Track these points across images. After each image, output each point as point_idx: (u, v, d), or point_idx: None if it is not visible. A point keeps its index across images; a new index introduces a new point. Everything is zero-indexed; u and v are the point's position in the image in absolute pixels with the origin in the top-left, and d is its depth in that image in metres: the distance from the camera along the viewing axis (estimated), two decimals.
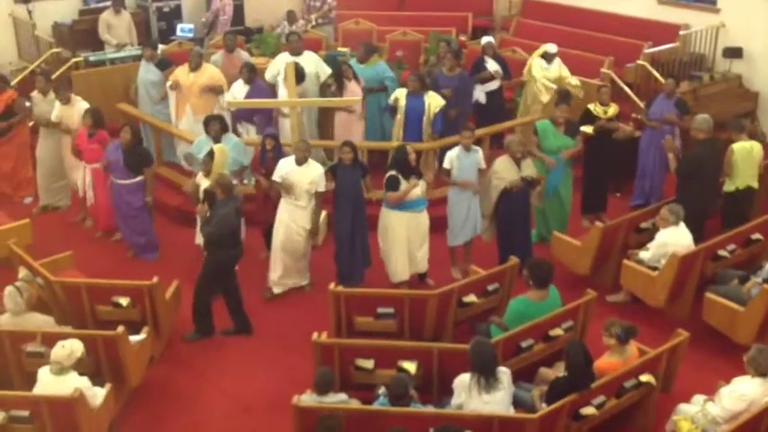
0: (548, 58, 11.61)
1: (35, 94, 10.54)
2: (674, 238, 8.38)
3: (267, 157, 9.17)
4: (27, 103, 10.64)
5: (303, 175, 8.66)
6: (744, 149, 9.34)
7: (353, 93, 10.61)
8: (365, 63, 11.16)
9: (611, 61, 12.75)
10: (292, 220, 8.76)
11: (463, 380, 6.39)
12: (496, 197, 8.93)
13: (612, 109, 10.35)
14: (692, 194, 8.68)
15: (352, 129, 10.82)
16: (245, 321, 8.45)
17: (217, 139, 9.16)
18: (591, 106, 10.37)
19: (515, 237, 9.01)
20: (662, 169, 10.49)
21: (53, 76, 12.11)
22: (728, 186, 9.49)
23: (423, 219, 8.87)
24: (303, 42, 11.64)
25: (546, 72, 11.58)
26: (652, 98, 10.83)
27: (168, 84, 11.09)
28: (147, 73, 11.47)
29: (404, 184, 8.58)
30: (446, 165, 9.02)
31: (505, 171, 8.89)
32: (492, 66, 11.71)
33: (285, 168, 8.68)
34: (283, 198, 8.78)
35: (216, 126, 9.27)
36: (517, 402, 6.68)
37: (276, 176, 8.72)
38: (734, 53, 12.79)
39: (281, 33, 14.17)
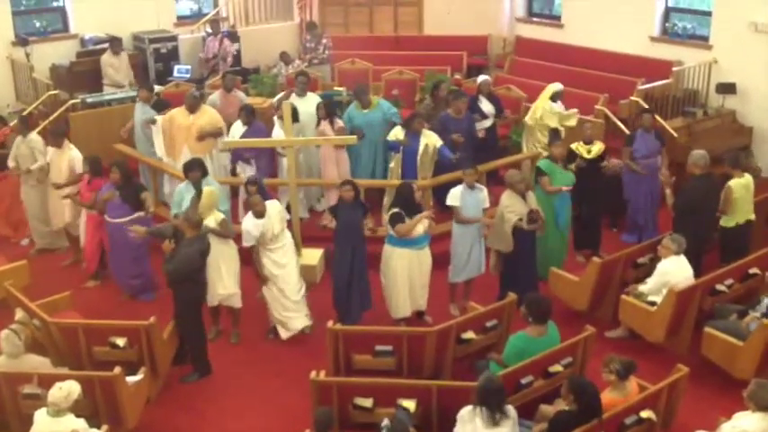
0: (557, 97, 11.64)
1: (17, 138, 10.50)
2: (676, 268, 8.39)
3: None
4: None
5: (270, 224, 8.56)
6: (741, 186, 9.39)
7: (322, 133, 10.68)
8: (368, 108, 11.21)
9: (606, 98, 12.85)
10: (280, 265, 8.72)
11: (468, 411, 6.34)
12: (510, 230, 8.96)
13: (597, 147, 10.32)
14: (688, 229, 8.70)
15: (333, 166, 10.87)
16: (206, 364, 8.42)
17: (197, 185, 9.08)
18: (573, 146, 10.36)
19: (520, 272, 9.03)
20: (654, 203, 10.53)
21: (50, 118, 12.22)
22: (728, 222, 9.50)
23: (425, 255, 8.85)
24: (310, 83, 11.80)
25: (553, 110, 11.58)
26: (631, 136, 10.87)
27: (155, 119, 11.02)
28: (143, 114, 11.47)
29: (408, 222, 8.59)
30: (451, 202, 9.03)
31: (515, 205, 8.95)
32: (486, 106, 11.78)
33: (251, 228, 8.53)
34: (262, 251, 8.67)
35: (196, 172, 9.15)
36: None
37: (247, 243, 8.59)
38: (727, 89, 12.89)
39: (278, 74, 14.33)
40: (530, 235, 9.06)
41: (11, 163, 10.50)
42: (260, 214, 8.54)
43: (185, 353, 8.38)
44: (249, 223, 8.56)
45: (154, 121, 11.06)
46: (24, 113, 11.92)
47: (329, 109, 10.87)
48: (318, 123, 10.85)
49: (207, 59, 14.69)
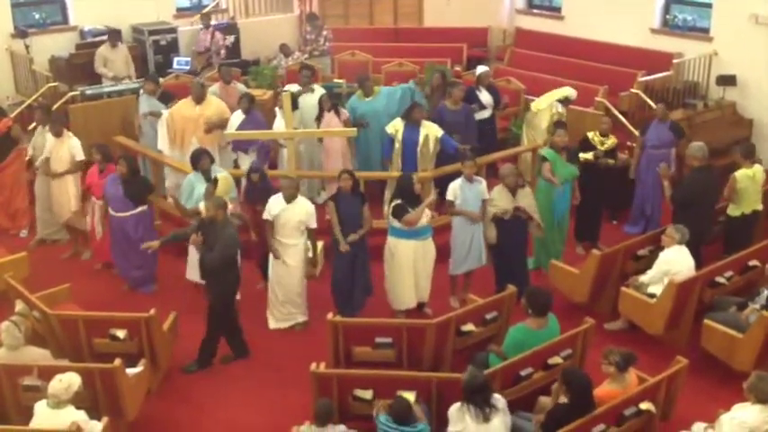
0: (565, 103, 11.61)
1: (38, 128, 10.48)
2: (678, 257, 8.40)
3: (254, 193, 9.16)
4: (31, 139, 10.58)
5: (293, 213, 8.60)
6: (746, 176, 9.40)
7: (328, 124, 10.65)
8: (371, 96, 11.18)
9: (606, 90, 12.83)
10: (287, 263, 8.72)
11: (456, 408, 6.35)
12: (490, 223, 8.96)
13: (611, 141, 10.38)
14: (687, 222, 8.70)
15: (339, 158, 10.86)
16: (243, 346, 8.45)
17: (207, 174, 9.08)
18: (590, 134, 10.42)
19: (512, 265, 9.03)
20: (659, 194, 10.54)
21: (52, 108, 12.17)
22: (734, 212, 9.55)
23: (430, 246, 8.88)
24: (315, 77, 11.79)
25: (553, 110, 11.54)
26: (646, 124, 10.90)
27: (161, 112, 11.02)
28: (150, 107, 11.42)
29: (416, 210, 8.59)
30: (449, 196, 9.02)
31: (501, 200, 8.94)
32: (484, 97, 11.73)
33: (275, 207, 8.60)
34: (275, 241, 8.73)
35: (206, 161, 9.18)
36: None
37: (267, 215, 8.65)
38: (727, 81, 12.88)
39: (278, 66, 14.29)
40: (520, 229, 9.05)
41: (30, 150, 10.50)
42: (288, 199, 8.58)
43: (236, 345, 8.45)
44: (275, 200, 8.63)
45: (159, 114, 11.04)
46: (24, 105, 11.89)
47: (334, 100, 10.84)
48: (321, 115, 10.82)
49: (199, 53, 14.61)
